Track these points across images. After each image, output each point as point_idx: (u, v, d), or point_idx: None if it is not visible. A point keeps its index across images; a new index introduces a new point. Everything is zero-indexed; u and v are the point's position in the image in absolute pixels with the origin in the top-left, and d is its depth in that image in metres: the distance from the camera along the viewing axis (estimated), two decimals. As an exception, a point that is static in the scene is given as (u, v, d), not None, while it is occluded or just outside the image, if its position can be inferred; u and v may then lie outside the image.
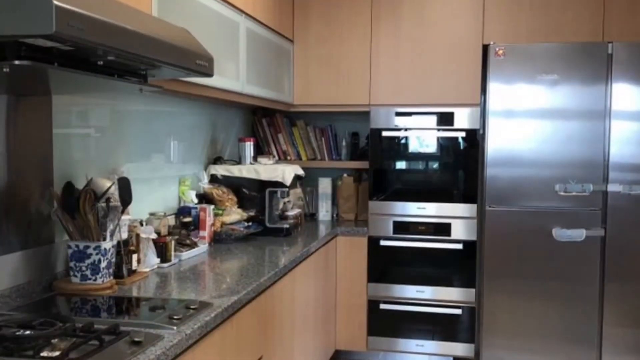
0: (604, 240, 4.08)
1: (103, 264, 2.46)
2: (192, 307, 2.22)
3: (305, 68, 4.71)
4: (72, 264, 2.47)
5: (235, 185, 4.00)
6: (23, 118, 2.35)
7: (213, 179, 3.99)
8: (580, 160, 4.09)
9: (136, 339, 1.83)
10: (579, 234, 4.07)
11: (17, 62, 1.58)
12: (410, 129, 4.49)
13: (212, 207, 3.64)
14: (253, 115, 5.00)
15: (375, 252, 4.53)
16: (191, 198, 3.66)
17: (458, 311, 4.45)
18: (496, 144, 4.18)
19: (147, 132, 3.36)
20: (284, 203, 4.30)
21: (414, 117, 4.48)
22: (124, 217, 2.66)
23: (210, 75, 2.47)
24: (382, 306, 4.54)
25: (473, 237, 4.41)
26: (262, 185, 4.01)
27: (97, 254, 2.45)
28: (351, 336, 4.59)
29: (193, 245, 3.32)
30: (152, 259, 2.88)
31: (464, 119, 4.39)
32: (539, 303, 4.18)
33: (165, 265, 2.96)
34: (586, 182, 4.07)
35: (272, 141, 4.96)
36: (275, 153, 4.92)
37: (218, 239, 3.65)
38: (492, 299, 4.24)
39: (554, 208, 4.13)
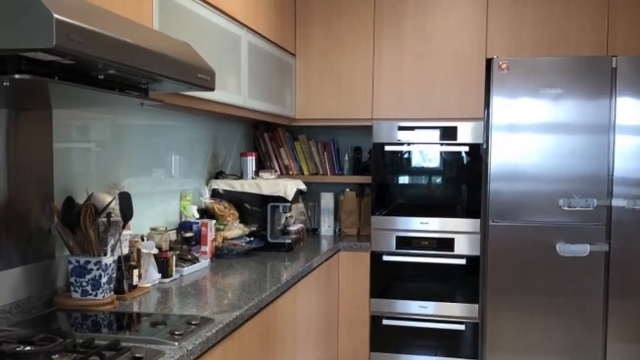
0: (608, 255, 4.06)
1: (104, 279, 2.44)
2: (193, 322, 2.20)
3: (307, 82, 4.70)
4: (72, 279, 2.45)
5: (237, 200, 3.98)
6: (23, 132, 2.34)
7: (214, 194, 3.97)
8: (584, 174, 4.07)
9: (137, 355, 1.81)
10: (583, 249, 4.05)
11: (17, 76, 1.57)
12: (413, 143, 4.48)
13: (213, 222, 3.63)
14: (255, 129, 4.99)
15: (378, 267, 4.50)
16: (192, 213, 3.64)
17: (461, 327, 4.42)
18: (499, 159, 4.16)
19: (148, 146, 3.35)
20: (286, 218, 4.28)
21: (416, 131, 4.46)
22: (124, 232, 2.64)
23: (211, 89, 2.46)
24: (385, 322, 4.51)
25: (476, 252, 4.39)
26: (264, 200, 4.00)
27: (97, 269, 2.43)
28: (353, 352, 4.55)
29: (194, 260, 3.30)
30: (153, 274, 2.85)
31: (467, 133, 4.38)
32: (543, 318, 4.15)
33: (166, 280, 2.94)
34: (590, 197, 4.05)
35: (274, 155, 4.95)
36: (277, 167, 4.91)
37: (219, 254, 3.63)
38: (495, 315, 4.21)
39: (557, 223, 4.11)
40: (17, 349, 1.81)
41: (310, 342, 3.72)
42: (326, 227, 4.89)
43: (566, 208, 4.08)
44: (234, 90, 3.52)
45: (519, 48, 4.35)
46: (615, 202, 4.03)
